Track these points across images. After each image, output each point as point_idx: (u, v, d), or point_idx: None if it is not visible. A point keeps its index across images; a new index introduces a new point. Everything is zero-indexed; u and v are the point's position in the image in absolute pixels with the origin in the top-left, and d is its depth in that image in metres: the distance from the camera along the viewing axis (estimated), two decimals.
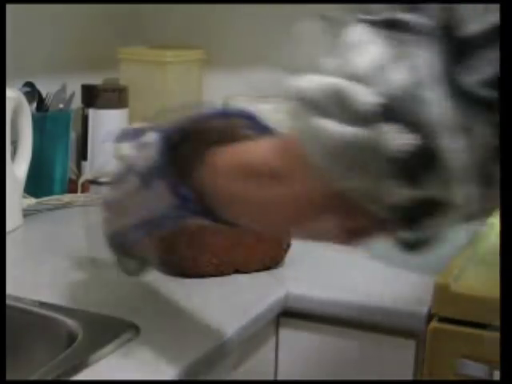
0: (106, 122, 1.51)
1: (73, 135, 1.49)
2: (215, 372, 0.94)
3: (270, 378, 1.11)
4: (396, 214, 0.60)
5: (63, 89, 1.43)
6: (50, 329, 0.94)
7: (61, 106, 1.43)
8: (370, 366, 1.07)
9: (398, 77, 0.55)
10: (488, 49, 0.54)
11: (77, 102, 1.50)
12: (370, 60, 0.56)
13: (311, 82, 0.59)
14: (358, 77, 0.57)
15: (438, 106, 0.55)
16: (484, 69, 0.54)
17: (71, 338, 0.89)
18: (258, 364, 1.08)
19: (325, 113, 0.58)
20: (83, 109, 1.52)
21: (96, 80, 1.60)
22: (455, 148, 0.55)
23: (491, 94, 0.54)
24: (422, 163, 0.56)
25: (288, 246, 1.13)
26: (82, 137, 1.53)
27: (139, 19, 1.74)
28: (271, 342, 1.09)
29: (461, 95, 0.55)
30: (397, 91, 0.55)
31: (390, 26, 0.57)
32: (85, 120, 1.51)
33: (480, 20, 0.54)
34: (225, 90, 1.64)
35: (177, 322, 0.95)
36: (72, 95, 1.45)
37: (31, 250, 1.19)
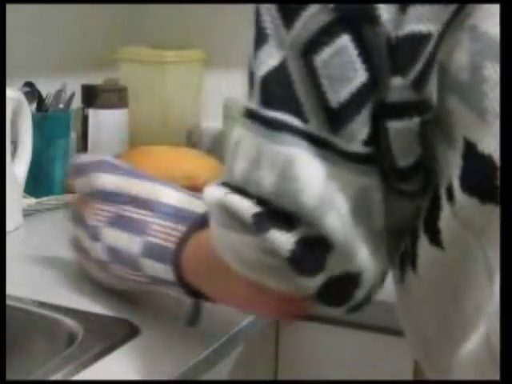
0: (106, 122, 1.50)
1: (73, 135, 1.48)
2: (215, 372, 0.93)
3: (270, 377, 1.11)
4: (318, 299, 0.63)
5: (63, 89, 1.43)
6: (50, 329, 0.94)
7: (61, 106, 1.43)
8: (369, 365, 1.06)
9: (268, 179, 0.57)
10: (356, 114, 0.56)
11: (77, 102, 1.50)
12: (243, 165, 0.59)
13: (211, 197, 0.61)
14: (236, 184, 0.59)
15: (313, 191, 0.57)
16: (358, 131, 0.56)
17: (71, 338, 0.89)
18: (258, 364, 1.07)
19: (224, 224, 0.61)
20: (83, 109, 1.51)
21: (96, 80, 1.59)
22: (336, 224, 0.57)
23: (370, 149, 0.58)
24: (315, 250, 0.58)
25: None
26: (82, 137, 1.52)
27: (139, 19, 1.74)
28: (271, 342, 1.09)
29: (347, 158, 0.57)
30: (269, 194, 0.57)
31: (267, 123, 0.58)
32: (85, 120, 1.51)
33: (344, 89, 0.56)
34: (225, 90, 1.64)
35: (177, 322, 0.94)
36: (72, 95, 1.44)
37: (31, 249, 1.18)
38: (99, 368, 0.83)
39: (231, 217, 0.60)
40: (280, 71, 0.57)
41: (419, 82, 0.56)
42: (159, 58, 1.59)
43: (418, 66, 0.56)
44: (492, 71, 0.55)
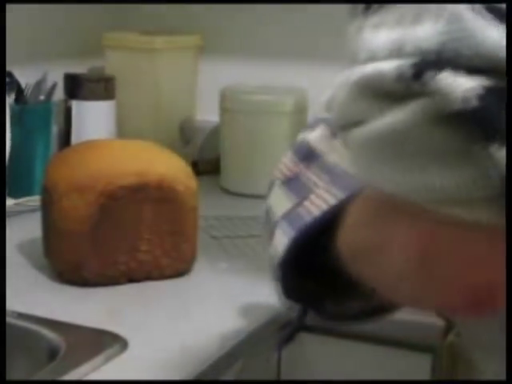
0: (91, 115, 1.49)
1: (55, 129, 1.47)
2: None
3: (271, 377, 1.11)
4: None
5: (44, 78, 1.42)
6: (29, 342, 0.93)
7: (41, 97, 1.42)
8: (372, 374, 1.05)
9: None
10: None
11: (59, 93, 1.49)
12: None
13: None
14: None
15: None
16: None
17: (52, 352, 0.89)
18: (258, 364, 1.06)
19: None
20: (66, 100, 1.50)
21: (80, 69, 1.58)
22: None
23: None
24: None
25: (193, 258, 1.13)
26: (64, 131, 1.50)
27: (127, 2, 1.72)
28: (272, 343, 1.06)
29: None
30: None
31: None
32: (68, 113, 1.49)
33: None
34: (222, 79, 1.63)
35: (168, 333, 0.94)
36: (54, 86, 1.43)
37: (8, 255, 1.11)
38: None
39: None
40: None
41: None
42: (149, 44, 1.58)
43: None
44: None
